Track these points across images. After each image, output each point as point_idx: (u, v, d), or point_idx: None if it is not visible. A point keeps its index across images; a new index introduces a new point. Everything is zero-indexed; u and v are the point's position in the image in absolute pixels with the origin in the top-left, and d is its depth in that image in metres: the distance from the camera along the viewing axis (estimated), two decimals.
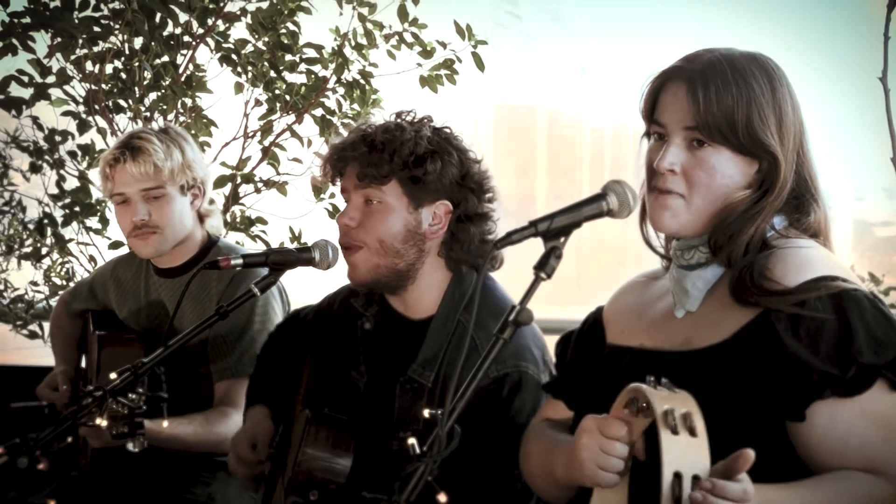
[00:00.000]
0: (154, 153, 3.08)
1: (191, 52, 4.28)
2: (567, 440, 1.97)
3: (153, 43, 4.17)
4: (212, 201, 3.31)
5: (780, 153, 1.94)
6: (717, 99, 1.91)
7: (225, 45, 4.29)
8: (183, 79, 4.25)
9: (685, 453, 1.63)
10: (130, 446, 2.48)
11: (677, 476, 1.61)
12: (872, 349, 1.80)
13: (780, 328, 1.84)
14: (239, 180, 4.33)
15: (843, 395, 1.80)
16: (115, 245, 4.37)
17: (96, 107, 4.24)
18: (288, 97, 4.25)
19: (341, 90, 4.28)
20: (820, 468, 1.83)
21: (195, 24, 4.25)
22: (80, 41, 4.14)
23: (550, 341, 2.55)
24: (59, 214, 4.44)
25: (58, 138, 4.35)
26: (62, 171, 4.39)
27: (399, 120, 2.56)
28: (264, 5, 4.20)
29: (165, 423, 2.55)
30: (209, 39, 4.28)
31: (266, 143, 4.34)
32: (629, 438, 1.77)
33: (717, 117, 1.91)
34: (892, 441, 1.81)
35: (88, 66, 4.21)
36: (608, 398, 1.85)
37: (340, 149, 2.55)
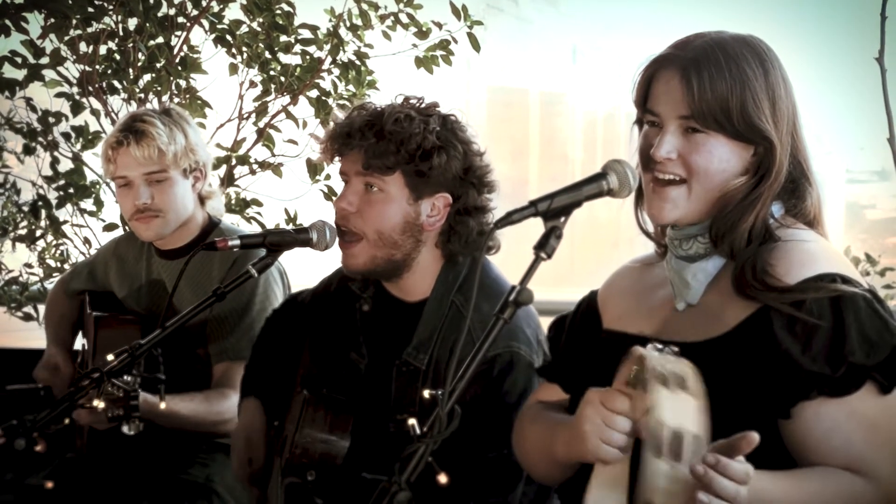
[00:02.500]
0: (158, 137, 3.07)
1: (185, 33, 4.26)
2: (568, 419, 1.97)
3: (147, 24, 4.15)
4: (210, 184, 3.30)
5: (775, 137, 1.93)
6: (710, 86, 1.90)
7: (219, 26, 4.26)
8: (177, 60, 4.23)
9: (674, 405, 1.66)
10: (126, 429, 2.48)
11: (660, 424, 1.65)
12: (864, 350, 1.80)
13: (776, 324, 1.84)
14: (234, 162, 4.32)
15: (831, 396, 1.81)
16: (110, 227, 4.36)
17: (90, 88, 4.22)
18: (283, 78, 4.23)
19: (336, 71, 4.27)
20: (805, 465, 1.84)
21: (189, 5, 4.23)
22: (74, 22, 4.12)
23: (544, 322, 2.55)
24: (53, 196, 4.42)
25: (51, 120, 4.33)
26: (56, 153, 4.38)
27: (408, 108, 2.52)
28: None
29: (163, 405, 2.55)
30: (203, 20, 4.26)
31: (261, 124, 4.33)
32: (632, 413, 1.78)
33: (712, 105, 1.90)
34: (877, 443, 1.82)
35: (82, 47, 4.19)
36: (607, 383, 1.85)
37: (346, 133, 2.51)
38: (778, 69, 1.97)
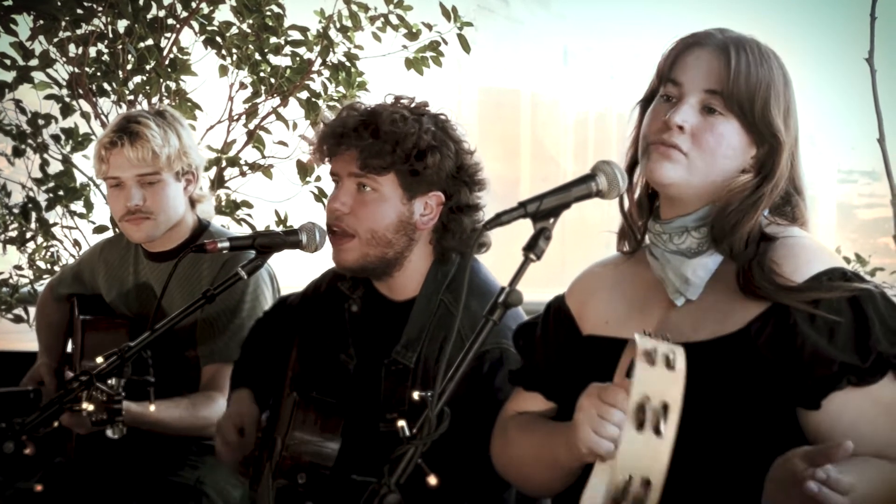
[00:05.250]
0: (152, 139, 3.06)
1: (175, 34, 4.25)
2: (567, 424, 1.96)
3: (137, 26, 4.14)
4: (201, 187, 3.29)
5: (784, 139, 1.97)
6: (746, 70, 1.95)
7: (209, 28, 4.26)
8: (167, 62, 4.23)
9: (658, 381, 1.66)
10: (109, 433, 2.47)
11: (642, 407, 1.65)
12: (888, 339, 1.83)
13: (799, 319, 1.85)
14: (224, 164, 4.31)
15: (858, 385, 1.82)
16: (100, 229, 4.36)
17: (80, 90, 4.22)
18: (273, 80, 4.23)
19: (326, 73, 4.27)
20: None
21: (179, 7, 4.23)
22: (63, 24, 4.12)
23: None
24: (42, 198, 4.42)
25: (41, 122, 4.32)
26: (45, 156, 4.37)
27: (401, 108, 2.53)
28: None
29: (152, 407, 2.54)
30: (193, 22, 4.25)
31: (251, 126, 4.33)
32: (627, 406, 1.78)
33: (741, 87, 1.94)
34: None
35: (72, 48, 4.19)
36: None
37: (339, 134, 2.51)
38: (791, 87, 2.02)
